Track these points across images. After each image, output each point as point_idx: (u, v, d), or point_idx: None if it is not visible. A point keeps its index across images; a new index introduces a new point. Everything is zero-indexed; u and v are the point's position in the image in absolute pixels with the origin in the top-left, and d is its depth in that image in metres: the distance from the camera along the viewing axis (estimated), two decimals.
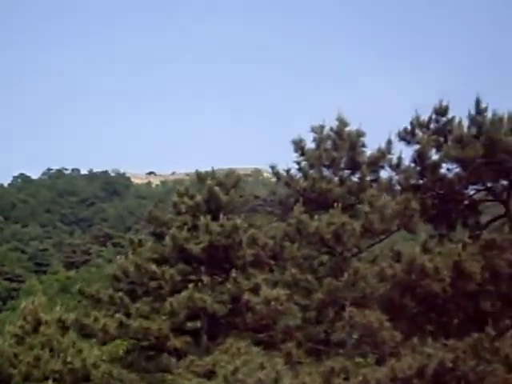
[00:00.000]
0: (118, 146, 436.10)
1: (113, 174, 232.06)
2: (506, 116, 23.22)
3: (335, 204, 20.90)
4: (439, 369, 19.45)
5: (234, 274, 22.68)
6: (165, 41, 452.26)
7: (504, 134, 21.95)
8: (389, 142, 23.05)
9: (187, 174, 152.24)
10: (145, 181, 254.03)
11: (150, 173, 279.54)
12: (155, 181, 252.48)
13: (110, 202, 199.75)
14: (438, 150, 24.26)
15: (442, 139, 24.31)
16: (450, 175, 23.65)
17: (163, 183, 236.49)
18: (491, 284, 22.16)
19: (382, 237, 21.94)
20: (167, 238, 24.23)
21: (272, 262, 24.13)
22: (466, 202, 25.28)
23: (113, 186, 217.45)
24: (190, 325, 24.64)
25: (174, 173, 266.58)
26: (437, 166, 23.27)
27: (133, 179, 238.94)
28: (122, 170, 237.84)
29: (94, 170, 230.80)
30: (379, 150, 22.97)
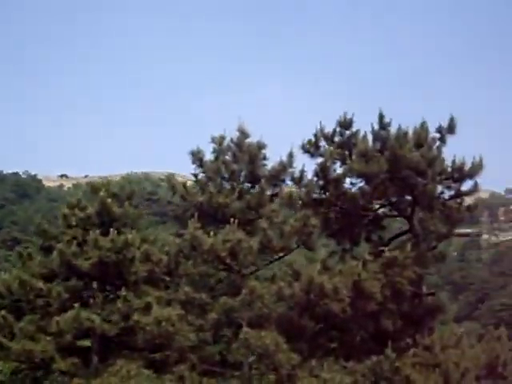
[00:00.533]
0: (30, 148, 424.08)
1: (24, 176, 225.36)
2: (410, 131, 22.77)
3: (232, 219, 19.88)
4: None
5: (124, 292, 21.32)
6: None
7: (408, 150, 21.42)
8: (290, 155, 22.18)
9: (100, 178, 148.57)
10: (57, 183, 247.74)
11: (63, 175, 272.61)
12: (67, 184, 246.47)
13: (21, 205, 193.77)
14: (343, 163, 23.64)
15: (346, 153, 23.68)
16: (354, 190, 23.01)
17: (75, 186, 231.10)
18: (392, 303, 21.60)
19: (281, 254, 20.98)
20: (54, 253, 22.65)
21: (167, 279, 22.87)
22: (369, 217, 24.70)
23: (23, 188, 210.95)
24: (79, 344, 23.10)
25: (87, 176, 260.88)
26: (340, 180, 22.56)
27: (44, 182, 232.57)
28: (33, 172, 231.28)
29: (4, 172, 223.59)
30: (280, 163, 22.08)
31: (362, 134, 23.68)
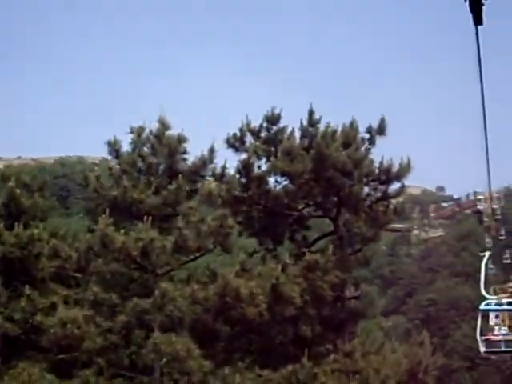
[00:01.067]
0: None
1: None
2: (339, 129, 21.96)
3: (146, 217, 18.67)
4: None
5: (28, 290, 19.85)
6: None
7: (335, 150, 20.58)
8: (211, 150, 21.01)
9: (33, 159, 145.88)
10: None
11: None
12: None
13: None
14: (268, 160, 22.71)
15: (272, 149, 22.75)
16: (278, 188, 22.08)
17: (7, 167, 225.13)
18: (313, 307, 20.80)
19: (198, 254, 19.84)
20: None
21: (78, 275, 21.48)
22: (294, 217, 23.85)
23: None
24: None
25: (19, 157, 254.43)
26: (263, 178, 21.59)
27: None
28: None
29: None
30: (201, 157, 20.91)
31: (289, 130, 22.87)
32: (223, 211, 19.13)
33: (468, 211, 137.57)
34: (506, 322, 31.29)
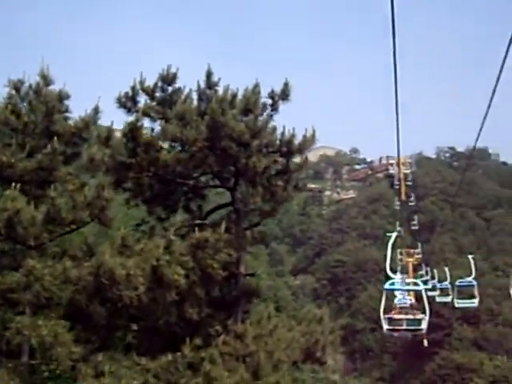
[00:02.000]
0: None
1: None
2: (239, 94, 20.05)
3: (13, 184, 16.40)
4: None
5: None
6: None
7: (232, 117, 18.66)
8: (96, 110, 18.74)
9: None
10: None
11: None
12: None
13: None
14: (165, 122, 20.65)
15: (169, 111, 20.69)
16: (169, 155, 20.08)
17: None
18: (201, 288, 19.08)
19: (74, 227, 17.70)
20: None
21: None
22: (188, 185, 22.01)
23: None
24: None
25: None
26: (152, 143, 19.53)
27: None
28: None
29: None
30: (83, 118, 18.65)
31: (186, 91, 20.86)
32: (102, 180, 17.03)
33: (380, 175, 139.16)
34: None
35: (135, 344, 18.28)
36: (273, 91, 20.37)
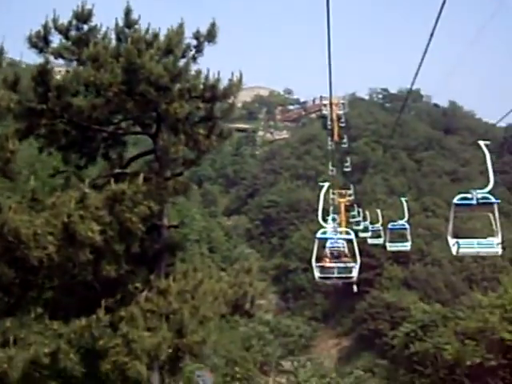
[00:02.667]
0: None
1: None
2: (162, 34, 18.51)
3: None
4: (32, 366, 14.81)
5: None
6: None
7: (149, 58, 17.11)
8: (1, 51, 16.90)
9: None
10: None
11: None
12: None
13: None
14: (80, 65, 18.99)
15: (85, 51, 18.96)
16: (84, 101, 18.47)
17: None
18: (120, 244, 17.82)
19: None
20: None
21: None
22: (107, 132, 20.52)
23: None
24: None
25: None
26: (64, 87, 17.85)
27: None
28: None
29: None
30: None
31: (103, 30, 19.19)
32: (5, 130, 15.42)
33: (314, 115, 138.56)
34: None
35: (49, 307, 16.95)
36: (198, 32, 18.93)
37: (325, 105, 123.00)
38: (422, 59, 13.14)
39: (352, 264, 27.86)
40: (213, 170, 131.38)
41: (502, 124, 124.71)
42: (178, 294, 19.24)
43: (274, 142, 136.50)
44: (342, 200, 72.75)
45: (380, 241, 52.44)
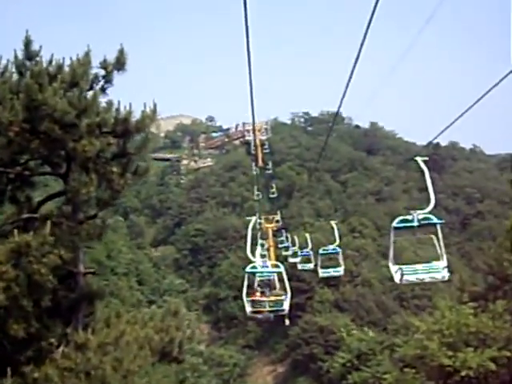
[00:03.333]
0: None
1: None
2: (66, 65, 17.02)
3: None
4: None
5: None
6: None
7: (52, 93, 15.58)
8: None
9: None
10: None
11: None
12: None
13: None
14: None
15: None
16: None
17: None
18: (28, 299, 16.11)
19: None
20: None
21: None
22: (13, 173, 18.81)
23: None
24: None
25: None
26: None
27: None
28: None
29: None
30: None
31: (3, 64, 17.55)
32: None
33: (237, 142, 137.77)
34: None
35: None
36: (105, 60, 17.49)
37: (247, 130, 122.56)
38: (348, 83, 12.30)
39: (283, 297, 26.79)
40: (138, 201, 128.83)
41: (423, 142, 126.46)
42: (98, 347, 17.62)
43: (199, 170, 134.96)
44: (269, 226, 71.84)
45: (310, 266, 51.46)
